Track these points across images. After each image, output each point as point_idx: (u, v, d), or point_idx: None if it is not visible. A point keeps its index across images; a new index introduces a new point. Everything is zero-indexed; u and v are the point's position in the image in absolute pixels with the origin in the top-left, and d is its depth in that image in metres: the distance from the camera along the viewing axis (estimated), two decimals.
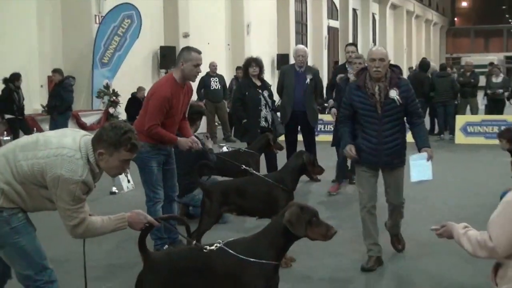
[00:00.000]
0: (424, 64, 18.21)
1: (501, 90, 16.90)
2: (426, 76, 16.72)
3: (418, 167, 5.71)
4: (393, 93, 5.52)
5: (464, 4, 64.23)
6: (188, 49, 6.23)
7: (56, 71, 14.34)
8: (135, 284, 3.88)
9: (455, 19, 65.08)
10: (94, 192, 6.28)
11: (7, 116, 13.93)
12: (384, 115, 5.63)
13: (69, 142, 3.67)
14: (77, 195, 3.58)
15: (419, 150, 5.78)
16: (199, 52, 6.14)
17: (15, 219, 3.69)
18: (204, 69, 16.92)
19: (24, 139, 3.92)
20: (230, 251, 3.72)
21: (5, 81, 13.72)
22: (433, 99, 16.36)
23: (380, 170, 6.04)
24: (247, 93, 9.58)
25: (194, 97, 15.74)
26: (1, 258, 3.85)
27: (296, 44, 22.66)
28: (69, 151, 3.60)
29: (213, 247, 3.79)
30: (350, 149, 5.84)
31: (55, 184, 3.53)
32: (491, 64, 18.78)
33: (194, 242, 4.28)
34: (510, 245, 3.12)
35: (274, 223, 3.95)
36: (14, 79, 13.65)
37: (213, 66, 17.57)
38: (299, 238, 3.77)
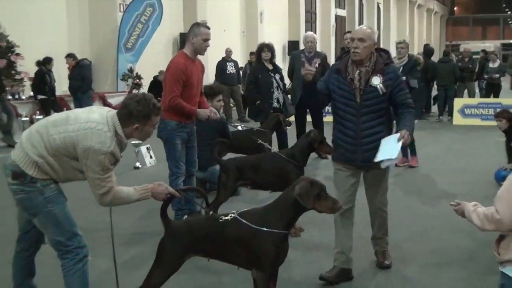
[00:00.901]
0: (428, 51, 18.37)
1: (497, 75, 17.01)
2: (430, 62, 16.56)
3: (386, 147, 4.63)
4: (376, 81, 4.53)
5: None
6: (197, 24, 6.24)
7: (69, 55, 14.56)
8: (157, 248, 3.92)
9: (455, 8, 64.87)
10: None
11: (40, 97, 14.11)
12: (363, 105, 4.62)
13: (96, 117, 3.69)
14: (105, 165, 3.61)
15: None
16: (208, 28, 6.18)
17: (48, 190, 3.70)
18: (221, 54, 17.21)
19: (55, 115, 3.94)
20: (244, 221, 3.75)
21: (38, 63, 13.93)
22: (434, 83, 16.27)
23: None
24: (260, 76, 9.66)
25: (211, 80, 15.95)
26: (35, 225, 3.89)
27: (306, 31, 22.56)
28: (98, 125, 3.63)
29: (228, 217, 3.82)
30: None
31: (86, 155, 3.56)
32: (483, 51, 18.79)
33: (211, 212, 4.31)
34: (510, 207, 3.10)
35: (285, 195, 3.93)
36: (46, 62, 13.95)
37: (228, 52, 17.82)
38: (307, 210, 3.77)
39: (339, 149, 4.85)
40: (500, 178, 8.06)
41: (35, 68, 14.16)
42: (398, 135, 4.57)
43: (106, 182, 3.65)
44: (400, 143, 4.54)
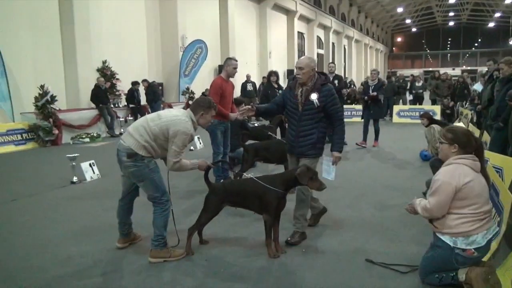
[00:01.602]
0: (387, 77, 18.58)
1: (421, 90, 17.11)
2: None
3: (326, 167, 4.35)
4: (313, 96, 4.11)
5: (399, 39, 65.72)
6: (230, 58, 6.32)
7: (144, 80, 14.50)
8: (204, 201, 3.96)
9: (393, 48, 65.66)
10: (57, 181, 6.89)
11: (131, 106, 14.30)
12: (303, 114, 4.17)
13: (179, 112, 3.74)
14: (185, 143, 3.64)
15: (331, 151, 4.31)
16: (236, 60, 6.29)
17: (151, 164, 3.70)
18: (243, 78, 17.51)
19: (149, 116, 3.81)
20: (259, 181, 3.82)
21: (131, 84, 14.24)
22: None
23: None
24: (269, 92, 9.91)
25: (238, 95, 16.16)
26: (135, 184, 3.88)
27: None
28: (182, 116, 3.67)
29: (249, 175, 3.98)
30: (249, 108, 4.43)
31: (175, 135, 3.57)
32: (412, 75, 18.98)
33: (238, 175, 4.65)
34: (441, 208, 3.00)
35: (289, 172, 3.96)
36: (134, 84, 14.25)
37: (248, 76, 17.87)
38: (302, 185, 3.82)
39: (288, 142, 4.40)
40: (423, 156, 8.10)
41: (129, 87, 14.48)
42: (331, 159, 4.28)
43: (180, 154, 3.64)
44: (335, 166, 4.31)
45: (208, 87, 7.16)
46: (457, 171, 2.99)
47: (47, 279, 3.47)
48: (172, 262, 3.72)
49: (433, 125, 7.69)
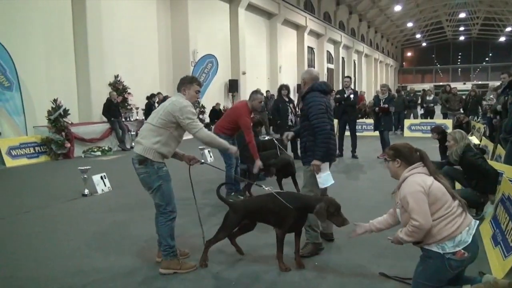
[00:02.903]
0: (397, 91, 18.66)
1: (432, 104, 17.00)
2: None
3: (318, 179, 4.11)
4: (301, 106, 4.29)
5: (409, 54, 65.88)
6: (256, 92, 6.29)
7: (158, 93, 14.79)
8: (224, 218, 3.93)
9: (404, 63, 65.95)
10: (67, 193, 7.02)
11: None
12: (301, 122, 4.31)
13: (170, 99, 3.84)
14: (193, 111, 3.68)
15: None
16: (262, 94, 6.28)
17: (161, 171, 3.68)
18: None
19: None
20: (279, 198, 3.74)
21: (147, 98, 14.40)
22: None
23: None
24: (280, 105, 9.72)
25: None
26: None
27: None
28: (174, 98, 3.80)
29: (268, 188, 3.91)
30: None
31: (181, 112, 3.62)
32: (423, 90, 18.99)
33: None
34: (426, 216, 2.89)
35: (311, 199, 3.78)
36: (152, 97, 14.40)
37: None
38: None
39: None
40: None
41: (141, 101, 14.58)
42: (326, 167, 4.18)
43: (197, 122, 3.68)
44: (327, 172, 4.15)
45: (219, 102, 7.17)
46: (416, 179, 2.98)
47: None
48: (183, 274, 3.69)
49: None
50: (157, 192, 3.68)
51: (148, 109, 13.98)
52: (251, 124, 6.28)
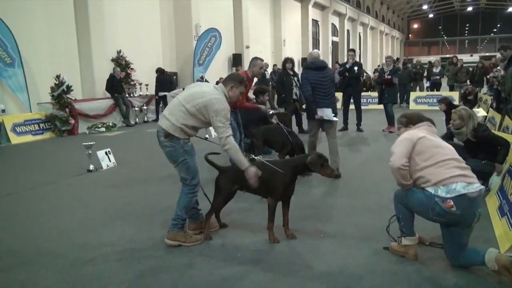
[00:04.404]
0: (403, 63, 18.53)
1: (438, 77, 16.83)
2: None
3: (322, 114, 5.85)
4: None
5: (416, 25, 64.58)
6: (256, 58, 6.20)
7: (159, 69, 14.31)
8: (214, 184, 3.96)
9: (410, 35, 64.69)
10: (73, 169, 7.03)
11: (162, 94, 13.45)
12: None
13: (210, 89, 3.75)
14: (227, 116, 3.62)
15: None
16: (262, 60, 6.25)
17: (186, 146, 3.72)
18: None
19: (181, 97, 3.75)
20: (268, 163, 3.80)
21: (158, 71, 14.03)
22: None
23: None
24: (284, 79, 9.58)
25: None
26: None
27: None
28: (218, 95, 3.68)
29: (257, 157, 4.03)
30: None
31: (216, 113, 3.57)
32: (430, 62, 18.75)
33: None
34: (398, 158, 3.12)
35: (300, 158, 3.96)
36: (163, 72, 14.06)
37: (266, 65, 17.79)
38: (311, 170, 3.74)
39: None
40: None
41: (144, 77, 14.47)
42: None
43: (228, 128, 3.60)
44: (327, 110, 5.90)
45: (223, 77, 7.15)
46: (411, 131, 3.30)
47: (64, 264, 3.50)
48: (189, 246, 3.72)
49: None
50: (183, 167, 3.73)
51: (160, 84, 13.73)
52: (247, 91, 6.23)
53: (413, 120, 3.43)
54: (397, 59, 21.10)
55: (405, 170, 3.13)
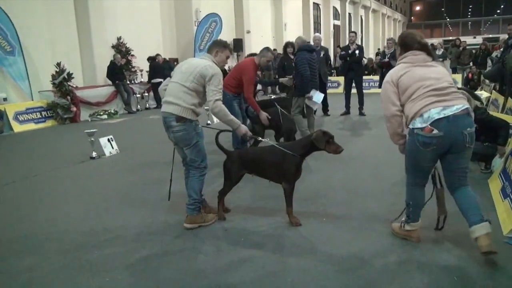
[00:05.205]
0: None
1: (441, 59, 16.67)
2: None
3: (310, 101, 6.74)
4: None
5: (418, 8, 63.93)
6: (268, 49, 6.20)
7: (157, 55, 14.15)
8: (223, 169, 4.00)
9: (412, 17, 63.89)
10: (76, 156, 7.06)
11: (157, 80, 13.04)
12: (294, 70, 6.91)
13: (200, 60, 3.84)
14: (220, 81, 3.69)
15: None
16: (272, 52, 6.27)
17: (197, 128, 3.78)
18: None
19: (176, 79, 3.75)
20: (277, 146, 3.83)
21: (150, 59, 13.94)
22: None
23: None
24: (285, 63, 9.50)
25: None
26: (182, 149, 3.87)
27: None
28: (208, 62, 3.75)
29: (265, 140, 4.12)
30: None
31: (210, 78, 3.63)
32: (432, 44, 18.60)
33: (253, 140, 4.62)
34: (387, 104, 3.12)
35: (305, 138, 3.93)
36: (155, 59, 13.93)
37: (271, 50, 17.69)
38: (319, 149, 3.73)
39: None
40: None
41: (145, 63, 14.31)
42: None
43: (219, 92, 3.67)
44: (316, 93, 6.80)
45: (230, 65, 7.16)
46: (393, 72, 3.16)
47: (70, 249, 3.53)
48: (193, 230, 3.76)
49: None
50: (194, 149, 3.77)
51: (153, 71, 13.73)
52: (254, 80, 6.30)
53: (402, 42, 3.22)
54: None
55: (399, 115, 3.11)
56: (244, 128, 3.87)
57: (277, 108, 6.56)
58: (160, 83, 12.84)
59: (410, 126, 3.03)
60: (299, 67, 6.63)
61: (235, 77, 6.14)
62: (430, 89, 2.97)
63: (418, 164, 3.12)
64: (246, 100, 6.13)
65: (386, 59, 10.09)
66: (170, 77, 3.92)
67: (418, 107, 2.96)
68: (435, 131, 2.89)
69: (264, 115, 6.11)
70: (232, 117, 3.79)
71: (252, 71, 6.05)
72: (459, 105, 2.94)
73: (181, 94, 3.68)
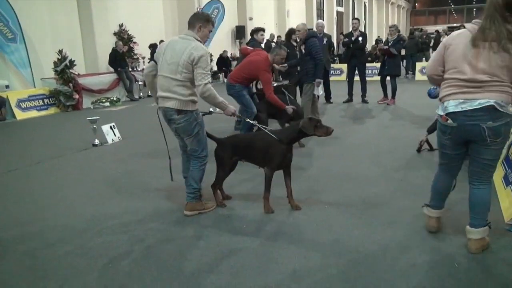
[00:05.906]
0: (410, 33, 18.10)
1: None
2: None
3: (316, 88, 6.98)
4: (302, 47, 7.12)
5: None
6: (280, 48, 6.20)
7: (161, 41, 13.99)
8: (214, 156, 3.99)
9: (416, 4, 63.19)
10: (78, 144, 7.03)
11: None
12: (303, 56, 7.11)
13: (182, 42, 3.60)
14: (208, 63, 3.56)
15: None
16: (285, 51, 6.21)
17: (198, 117, 3.71)
18: (265, 38, 17.16)
19: (165, 71, 3.61)
20: (266, 131, 3.84)
21: (151, 47, 14.06)
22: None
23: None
24: (289, 51, 9.47)
25: None
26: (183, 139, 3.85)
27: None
28: (192, 43, 3.57)
29: (253, 122, 4.29)
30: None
31: (198, 61, 3.49)
32: (437, 31, 18.38)
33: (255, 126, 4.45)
34: (430, 64, 3.08)
35: (293, 125, 3.93)
36: (156, 46, 13.69)
37: (272, 36, 17.63)
38: (307, 135, 3.76)
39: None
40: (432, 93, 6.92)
41: (147, 50, 14.30)
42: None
43: (208, 75, 3.55)
44: (320, 87, 7.17)
45: (226, 50, 7.26)
46: (452, 35, 2.98)
47: (72, 235, 3.55)
48: (194, 218, 3.77)
49: None
50: (195, 138, 3.75)
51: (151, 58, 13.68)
52: (271, 79, 6.35)
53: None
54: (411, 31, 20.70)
55: (437, 78, 3.02)
56: (232, 108, 3.79)
57: (285, 95, 6.54)
58: None
59: (436, 111, 3.06)
60: (314, 53, 6.77)
61: (249, 73, 6.13)
62: (461, 78, 2.83)
63: (441, 146, 3.14)
64: (268, 99, 6.09)
65: (385, 47, 9.93)
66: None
67: (443, 93, 2.94)
68: (450, 121, 2.90)
69: (290, 108, 6.13)
70: (221, 99, 3.69)
71: (268, 72, 6.09)
72: (484, 99, 2.75)
73: (175, 88, 3.59)
